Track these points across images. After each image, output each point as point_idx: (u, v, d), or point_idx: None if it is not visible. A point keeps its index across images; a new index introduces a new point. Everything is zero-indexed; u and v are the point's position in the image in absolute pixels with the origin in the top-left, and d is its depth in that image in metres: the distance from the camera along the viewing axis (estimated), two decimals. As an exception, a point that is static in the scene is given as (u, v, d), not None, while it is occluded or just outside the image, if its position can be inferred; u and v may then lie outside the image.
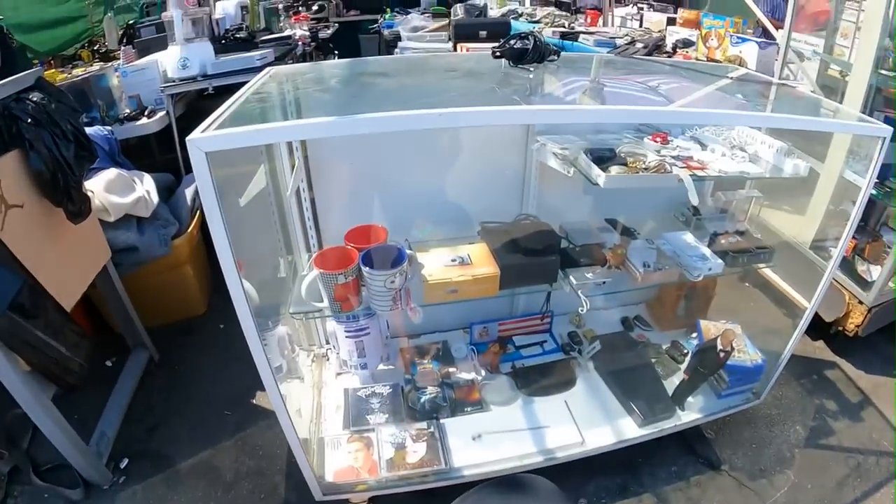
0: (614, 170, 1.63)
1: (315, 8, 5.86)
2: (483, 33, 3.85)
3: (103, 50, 4.24)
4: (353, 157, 1.88)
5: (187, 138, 1.04)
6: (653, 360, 2.19)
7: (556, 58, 1.69)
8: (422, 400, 1.94)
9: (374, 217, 1.81)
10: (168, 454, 2.04)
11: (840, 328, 2.43)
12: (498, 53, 1.65)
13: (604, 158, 1.69)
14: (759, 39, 3.12)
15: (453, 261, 1.72)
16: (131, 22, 4.53)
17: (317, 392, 2.03)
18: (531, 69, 1.64)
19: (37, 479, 1.90)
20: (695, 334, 2.23)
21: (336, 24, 5.69)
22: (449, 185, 2.01)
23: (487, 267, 1.70)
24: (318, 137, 1.72)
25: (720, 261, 1.85)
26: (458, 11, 4.68)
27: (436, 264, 1.70)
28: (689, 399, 1.99)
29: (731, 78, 2.07)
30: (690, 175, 1.63)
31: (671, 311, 2.38)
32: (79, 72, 3.56)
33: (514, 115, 1.31)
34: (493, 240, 1.81)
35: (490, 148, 1.98)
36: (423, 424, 1.86)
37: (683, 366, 2.07)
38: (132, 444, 2.07)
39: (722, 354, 1.84)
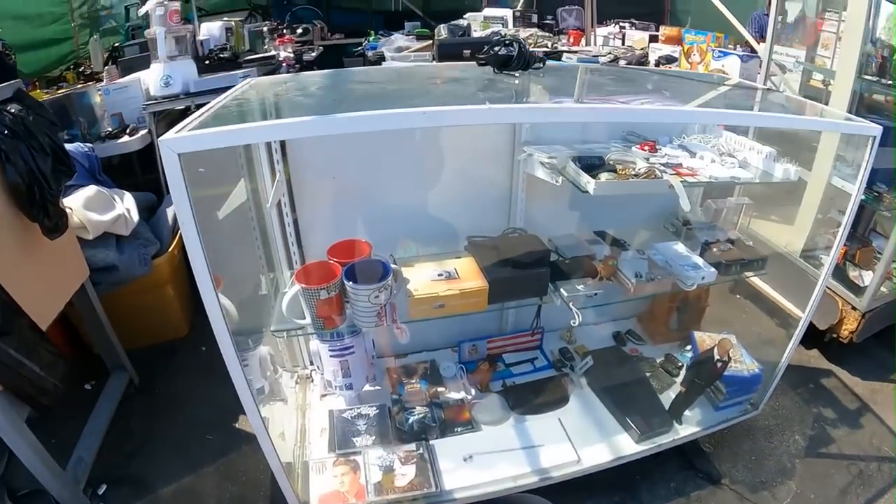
0: (604, 177, 1.61)
1: (300, 31, 5.86)
2: (467, 52, 3.85)
3: (88, 72, 4.22)
4: (335, 171, 1.84)
5: (159, 139, 0.99)
6: (647, 375, 2.14)
7: (541, 65, 1.66)
8: (410, 421, 1.88)
9: (357, 232, 1.76)
10: (148, 480, 1.95)
11: (834, 335, 2.41)
12: (483, 60, 1.63)
13: (592, 166, 1.67)
14: (742, 53, 3.16)
15: (440, 275, 1.67)
16: (116, 45, 4.52)
17: (301, 414, 1.96)
18: (516, 75, 1.61)
19: (11, 506, 1.81)
20: (688, 347, 2.20)
21: (321, 48, 5.70)
22: (434, 199, 1.97)
23: (475, 281, 1.65)
24: (298, 137, 1.67)
25: (713, 269, 1.82)
26: (442, 32, 4.70)
27: (422, 279, 1.65)
28: (687, 412, 1.94)
29: (718, 84, 2.07)
30: (681, 181, 1.61)
31: (663, 325, 2.34)
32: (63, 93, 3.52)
33: (501, 113, 1.27)
34: (480, 254, 1.77)
35: (476, 160, 1.95)
36: (412, 446, 1.79)
37: (679, 378, 2.03)
38: (111, 469, 1.98)
39: (719, 364, 1.81)
